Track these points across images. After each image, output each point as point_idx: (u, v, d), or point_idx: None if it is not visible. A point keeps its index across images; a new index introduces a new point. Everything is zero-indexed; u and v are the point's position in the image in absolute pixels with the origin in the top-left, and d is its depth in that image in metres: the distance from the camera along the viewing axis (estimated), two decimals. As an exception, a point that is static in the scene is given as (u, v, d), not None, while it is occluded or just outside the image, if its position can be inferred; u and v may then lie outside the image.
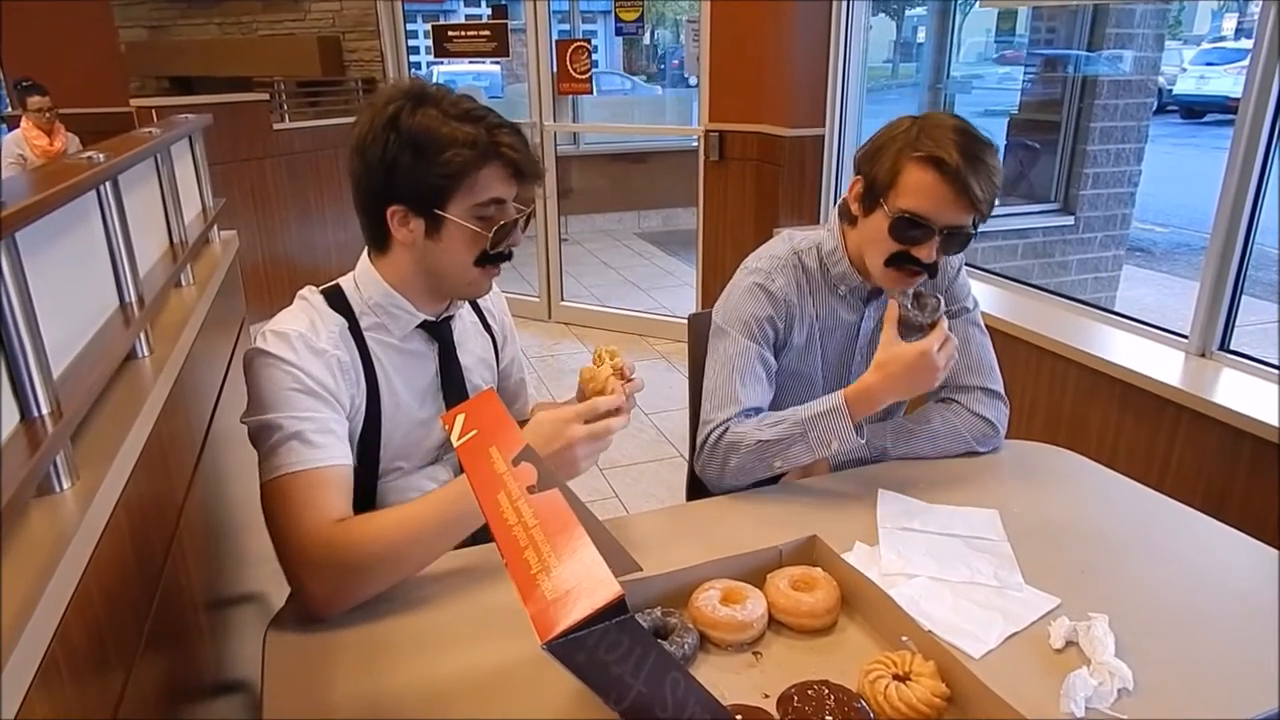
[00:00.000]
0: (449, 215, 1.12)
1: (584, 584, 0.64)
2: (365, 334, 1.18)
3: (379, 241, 1.18)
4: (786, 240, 1.52)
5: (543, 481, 0.77)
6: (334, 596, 1.04)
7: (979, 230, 1.35)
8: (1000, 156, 1.33)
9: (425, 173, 1.09)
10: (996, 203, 1.33)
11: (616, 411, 1.10)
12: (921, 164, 1.29)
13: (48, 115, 4.62)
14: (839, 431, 1.27)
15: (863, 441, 1.27)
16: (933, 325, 1.29)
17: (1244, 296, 2.16)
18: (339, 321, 1.16)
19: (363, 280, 1.20)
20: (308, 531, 1.03)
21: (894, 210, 1.32)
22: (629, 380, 1.15)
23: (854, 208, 1.41)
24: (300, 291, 1.21)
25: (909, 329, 1.32)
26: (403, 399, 1.22)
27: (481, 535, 1.12)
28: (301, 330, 1.12)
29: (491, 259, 1.17)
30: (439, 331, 1.26)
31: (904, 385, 1.27)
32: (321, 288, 1.21)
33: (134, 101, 4.44)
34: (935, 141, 1.28)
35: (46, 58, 5.40)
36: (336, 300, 1.19)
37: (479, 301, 1.38)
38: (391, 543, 1.04)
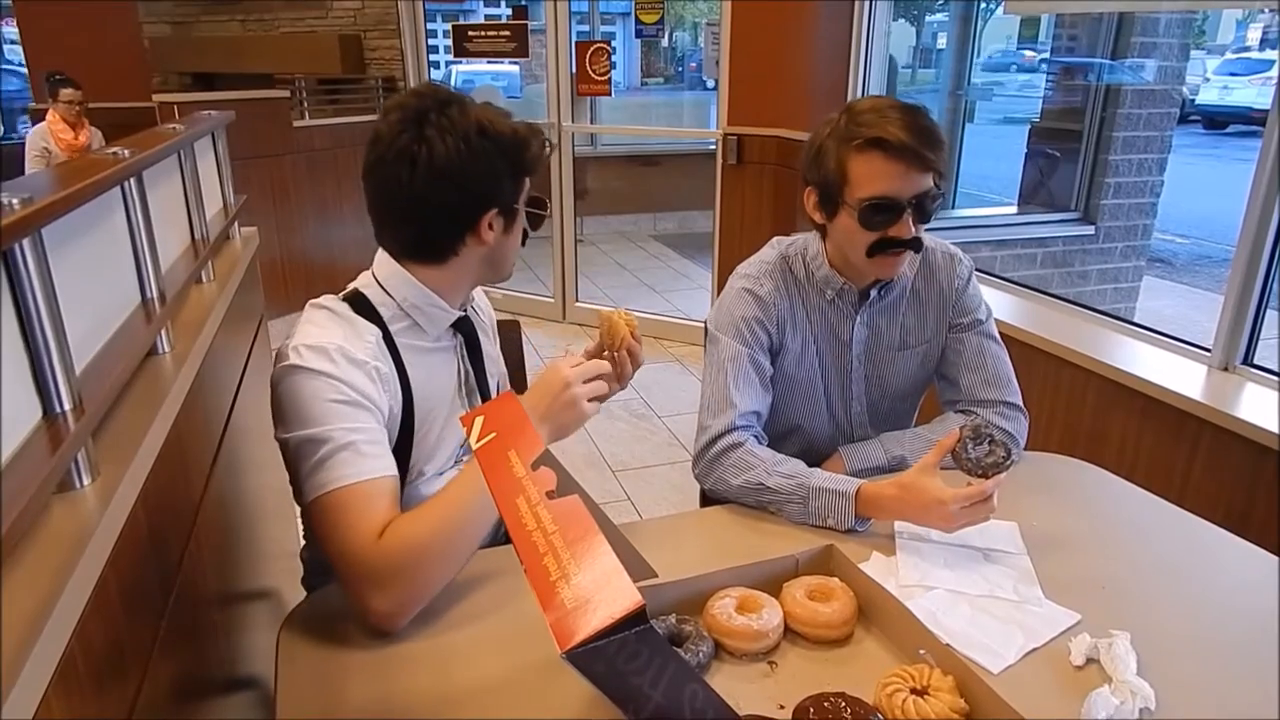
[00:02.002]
0: (519, 206, 1.22)
1: (604, 592, 0.64)
2: (396, 340, 1.17)
3: (444, 251, 1.17)
4: (775, 245, 1.53)
5: (562, 487, 0.76)
6: (399, 607, 1.02)
7: (941, 189, 1.35)
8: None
9: (517, 172, 1.18)
10: (947, 157, 1.34)
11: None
12: (864, 150, 1.30)
13: (77, 109, 4.65)
14: (839, 514, 1.25)
15: (861, 530, 1.26)
16: (983, 476, 1.21)
17: (1268, 310, 2.13)
18: (375, 331, 1.14)
19: (394, 285, 1.18)
20: (367, 546, 1.00)
21: (857, 203, 1.32)
22: (634, 338, 1.23)
23: (816, 218, 1.42)
24: (316, 301, 1.16)
25: (958, 465, 1.24)
26: (434, 403, 1.21)
27: (501, 536, 1.12)
28: (339, 342, 1.09)
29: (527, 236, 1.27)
30: (464, 326, 1.26)
31: (914, 516, 1.23)
32: (341, 295, 1.18)
33: (156, 97, 4.48)
34: (867, 125, 1.30)
35: (71, 52, 5.44)
36: (363, 308, 1.16)
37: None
38: (440, 534, 1.02)
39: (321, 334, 1.10)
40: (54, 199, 0.83)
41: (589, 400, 1.12)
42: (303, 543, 1.39)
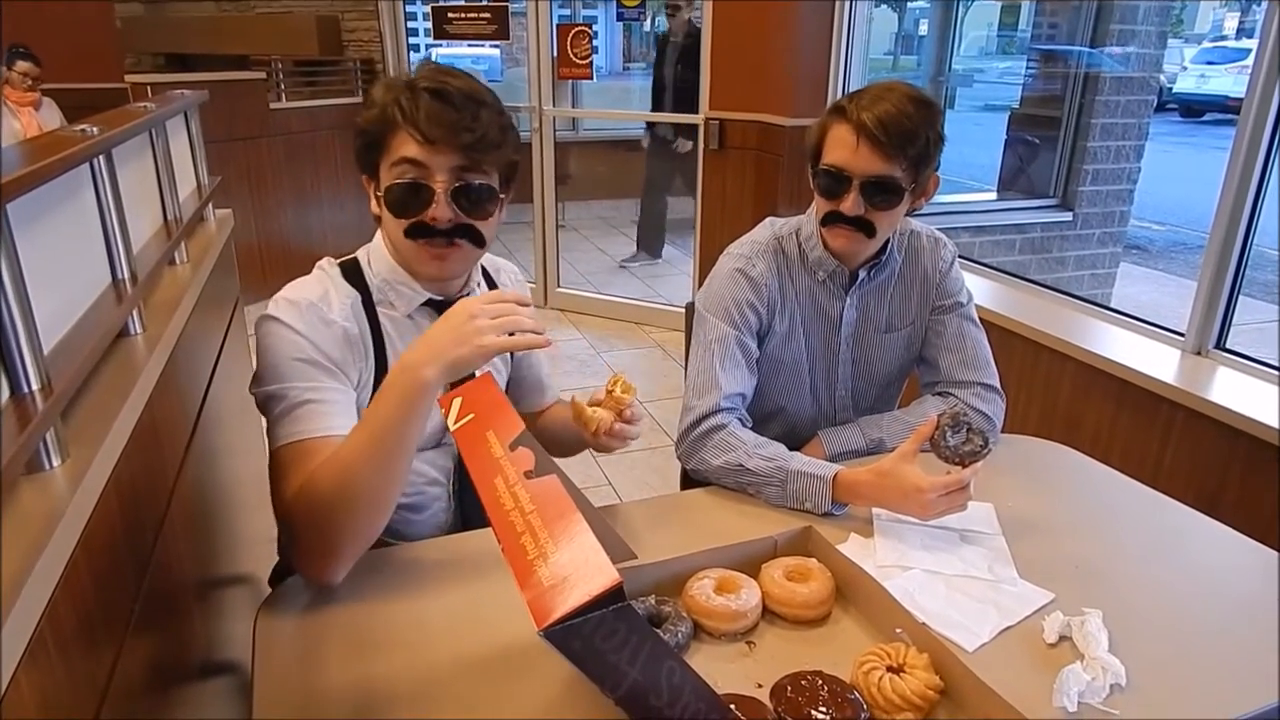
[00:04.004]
0: (380, 183, 1.14)
1: (581, 571, 0.64)
2: (377, 308, 1.19)
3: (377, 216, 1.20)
4: (769, 226, 1.53)
5: (540, 467, 0.76)
6: (316, 558, 1.04)
7: (917, 188, 1.37)
8: (937, 121, 1.35)
9: (357, 134, 1.13)
10: (932, 159, 1.36)
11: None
12: (836, 119, 1.36)
13: (30, 82, 4.50)
14: (816, 498, 1.25)
15: (838, 514, 1.26)
16: (961, 464, 1.21)
17: (1240, 296, 2.16)
18: (352, 294, 1.17)
19: (374, 254, 1.21)
20: (289, 499, 1.04)
21: (819, 168, 1.38)
22: (623, 419, 1.17)
23: (811, 183, 1.45)
24: (319, 261, 1.22)
25: (936, 453, 1.23)
26: None
27: (479, 520, 1.11)
28: (313, 299, 1.13)
29: (419, 231, 1.12)
30: (445, 310, 1.24)
31: (891, 503, 1.23)
32: (340, 259, 1.22)
33: (129, 78, 4.39)
34: (855, 99, 1.34)
35: (40, 31, 5.32)
36: (352, 273, 1.20)
37: (498, 288, 1.36)
38: (340, 482, 1.00)
39: (303, 290, 1.14)
40: (19, 174, 0.82)
41: (497, 335, 0.98)
42: None
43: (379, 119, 1.10)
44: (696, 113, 4.13)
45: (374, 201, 1.17)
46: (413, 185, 1.10)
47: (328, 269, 1.20)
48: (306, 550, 1.04)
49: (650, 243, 5.96)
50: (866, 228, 1.37)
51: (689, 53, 4.87)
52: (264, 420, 1.12)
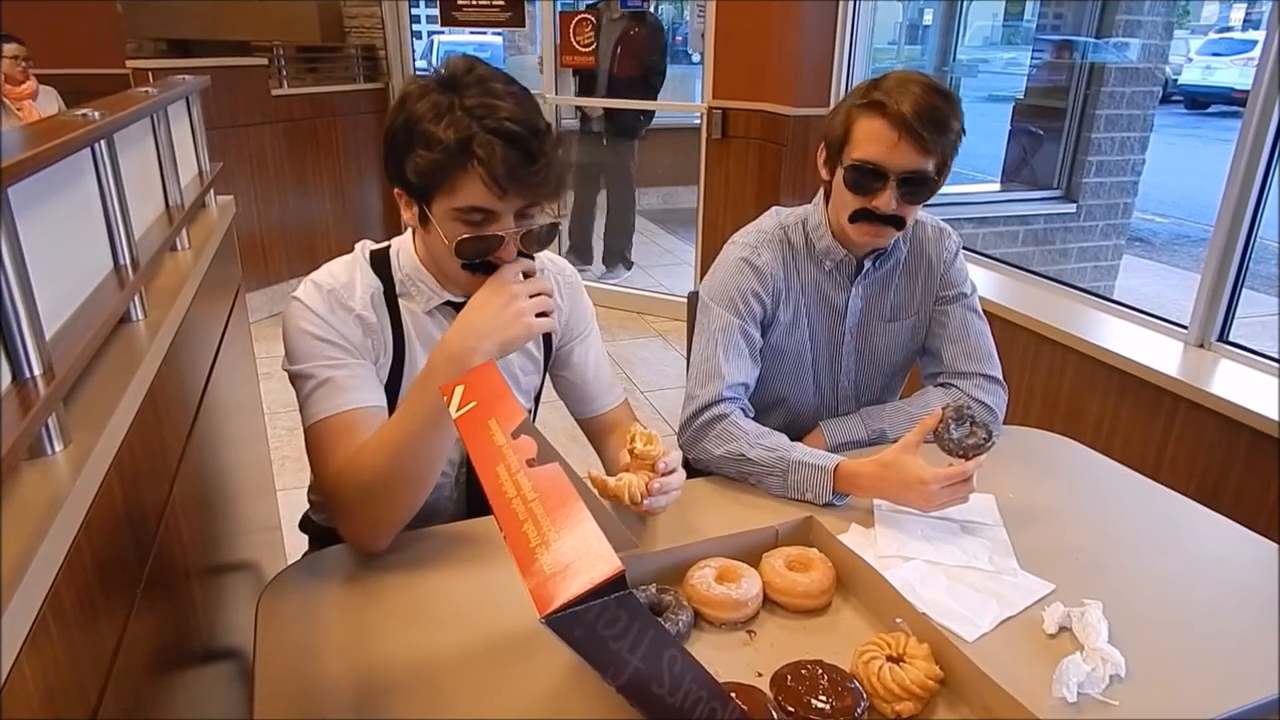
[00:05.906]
0: (431, 213, 1.08)
1: (583, 559, 0.64)
2: (399, 299, 1.20)
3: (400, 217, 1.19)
4: (774, 215, 1.52)
5: (542, 455, 0.76)
6: (364, 531, 1.10)
7: (940, 179, 1.35)
8: (961, 112, 1.33)
9: (404, 165, 1.06)
10: (957, 150, 1.34)
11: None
12: (868, 112, 1.31)
13: (23, 65, 4.46)
14: (816, 489, 1.25)
15: (839, 505, 1.26)
16: (964, 457, 1.20)
17: (1243, 289, 2.15)
18: (375, 285, 1.19)
19: (403, 247, 1.22)
20: (332, 475, 1.08)
21: (848, 163, 1.34)
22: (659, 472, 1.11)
23: (823, 173, 1.42)
24: (358, 243, 1.24)
25: (939, 445, 1.23)
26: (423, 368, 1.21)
27: (482, 507, 1.12)
28: (336, 286, 1.16)
29: (480, 269, 1.10)
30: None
31: (893, 494, 1.22)
32: (375, 246, 1.23)
33: (130, 63, 4.36)
34: (883, 91, 1.30)
35: (39, 17, 5.30)
36: (381, 262, 1.21)
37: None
38: (385, 470, 1.05)
39: (330, 275, 1.18)
40: (20, 159, 0.81)
41: (537, 315, 1.07)
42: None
43: (446, 163, 1.03)
44: (699, 102, 4.11)
45: (412, 214, 1.13)
46: (486, 237, 1.07)
47: (360, 255, 1.21)
48: (355, 525, 1.09)
49: (617, 251, 5.29)
50: (897, 223, 1.36)
51: (633, 33, 4.58)
52: (296, 397, 1.16)
